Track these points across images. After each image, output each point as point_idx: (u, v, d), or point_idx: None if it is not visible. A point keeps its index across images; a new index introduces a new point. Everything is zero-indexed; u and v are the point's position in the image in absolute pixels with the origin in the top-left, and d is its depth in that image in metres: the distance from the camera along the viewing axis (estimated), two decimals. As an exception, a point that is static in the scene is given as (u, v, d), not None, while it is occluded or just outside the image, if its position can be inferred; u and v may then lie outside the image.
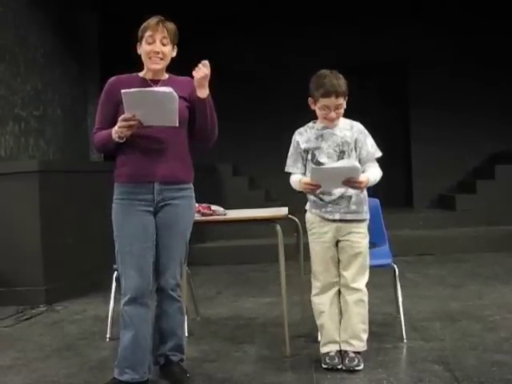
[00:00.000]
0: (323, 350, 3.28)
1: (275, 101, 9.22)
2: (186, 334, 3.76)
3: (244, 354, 3.56)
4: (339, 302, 3.29)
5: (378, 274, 4.80)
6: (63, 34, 7.77)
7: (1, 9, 6.40)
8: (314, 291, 3.33)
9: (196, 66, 2.90)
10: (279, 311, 3.87)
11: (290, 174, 3.36)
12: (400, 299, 3.76)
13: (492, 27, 9.06)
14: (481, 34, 9.10)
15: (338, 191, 3.22)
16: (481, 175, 8.91)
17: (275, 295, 4.58)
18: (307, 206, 3.38)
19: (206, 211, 3.81)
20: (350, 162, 3.13)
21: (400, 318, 3.69)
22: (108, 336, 3.98)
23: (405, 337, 3.61)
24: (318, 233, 3.29)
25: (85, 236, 5.60)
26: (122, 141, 2.90)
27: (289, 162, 3.36)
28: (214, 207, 3.87)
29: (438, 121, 9.30)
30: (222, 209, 3.92)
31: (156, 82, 3.05)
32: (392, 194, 9.27)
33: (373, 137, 3.29)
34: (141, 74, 3.11)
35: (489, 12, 9.05)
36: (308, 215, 3.36)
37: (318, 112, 3.24)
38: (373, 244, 4.03)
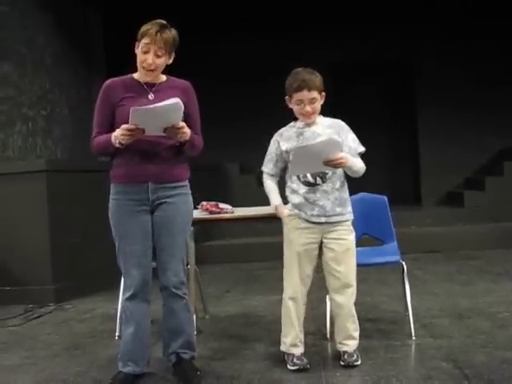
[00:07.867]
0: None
1: (282, 99, 9.17)
2: (195, 332, 3.77)
3: (253, 351, 3.56)
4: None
5: (386, 271, 4.80)
6: (70, 34, 7.78)
7: (8, 9, 6.42)
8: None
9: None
10: (287, 309, 3.84)
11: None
12: (408, 296, 3.74)
13: (502, 24, 9.02)
14: (489, 31, 9.05)
15: (320, 190, 3.16)
16: (489, 172, 8.87)
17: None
18: (289, 206, 3.26)
19: (213, 209, 3.81)
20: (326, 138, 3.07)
21: (408, 315, 3.69)
22: (117, 334, 3.97)
23: (413, 334, 3.60)
24: (300, 231, 3.20)
25: (93, 235, 5.60)
26: (122, 146, 2.92)
27: (265, 160, 3.44)
28: (221, 205, 3.88)
29: (446, 118, 9.26)
30: (229, 207, 3.92)
31: (151, 86, 3.05)
32: (400, 191, 9.26)
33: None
34: (136, 76, 3.08)
35: (500, 8, 9.01)
36: (288, 214, 3.23)
37: (295, 108, 3.25)
38: (381, 241, 4.03)
